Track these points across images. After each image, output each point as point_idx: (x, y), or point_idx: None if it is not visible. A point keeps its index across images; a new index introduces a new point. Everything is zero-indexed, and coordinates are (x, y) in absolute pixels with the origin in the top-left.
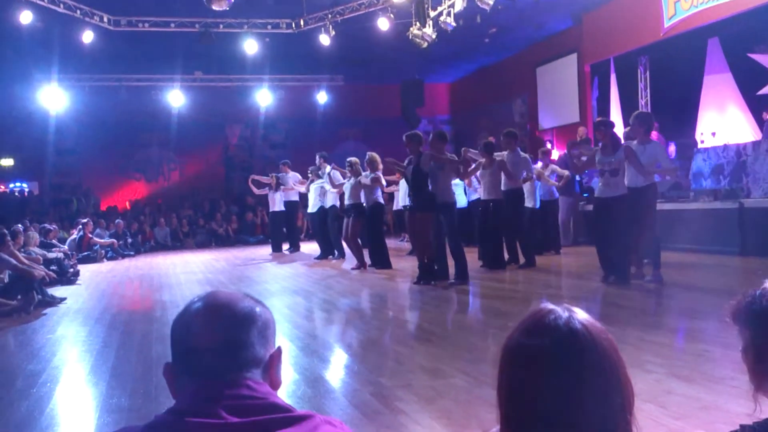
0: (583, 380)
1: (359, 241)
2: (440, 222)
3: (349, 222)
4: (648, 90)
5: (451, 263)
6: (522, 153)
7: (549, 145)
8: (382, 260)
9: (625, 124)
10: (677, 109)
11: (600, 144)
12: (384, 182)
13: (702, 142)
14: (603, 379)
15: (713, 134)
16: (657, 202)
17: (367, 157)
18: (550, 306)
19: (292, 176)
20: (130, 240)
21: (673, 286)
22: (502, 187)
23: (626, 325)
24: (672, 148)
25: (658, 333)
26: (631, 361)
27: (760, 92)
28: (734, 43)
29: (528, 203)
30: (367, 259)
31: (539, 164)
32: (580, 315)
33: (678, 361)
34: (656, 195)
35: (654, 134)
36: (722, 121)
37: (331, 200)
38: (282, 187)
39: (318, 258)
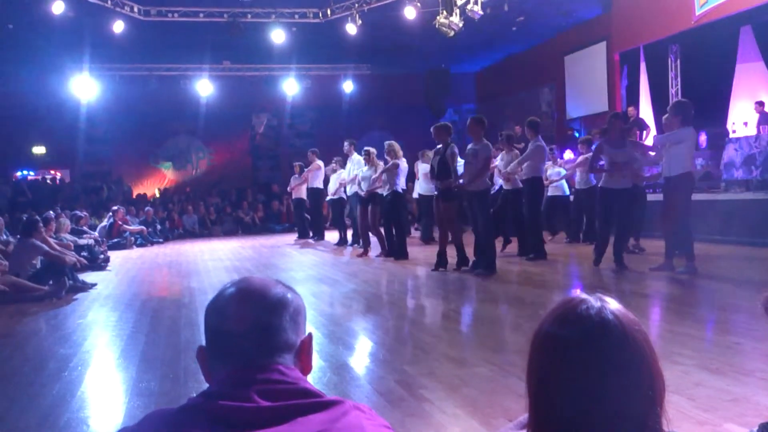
0: (614, 372)
1: (381, 229)
2: (474, 210)
3: (368, 210)
4: (679, 79)
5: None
6: (539, 142)
7: (576, 134)
8: (397, 250)
9: (655, 114)
10: (708, 99)
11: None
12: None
13: (734, 131)
14: (634, 370)
15: (745, 124)
16: (692, 191)
17: (385, 146)
18: (583, 295)
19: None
20: (159, 227)
21: (703, 277)
22: (523, 176)
23: (655, 315)
24: (703, 137)
25: (687, 324)
26: (659, 352)
27: None
28: (767, 32)
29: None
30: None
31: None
32: (613, 305)
33: (707, 353)
34: (690, 185)
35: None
36: (754, 111)
37: (353, 188)
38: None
39: (336, 245)
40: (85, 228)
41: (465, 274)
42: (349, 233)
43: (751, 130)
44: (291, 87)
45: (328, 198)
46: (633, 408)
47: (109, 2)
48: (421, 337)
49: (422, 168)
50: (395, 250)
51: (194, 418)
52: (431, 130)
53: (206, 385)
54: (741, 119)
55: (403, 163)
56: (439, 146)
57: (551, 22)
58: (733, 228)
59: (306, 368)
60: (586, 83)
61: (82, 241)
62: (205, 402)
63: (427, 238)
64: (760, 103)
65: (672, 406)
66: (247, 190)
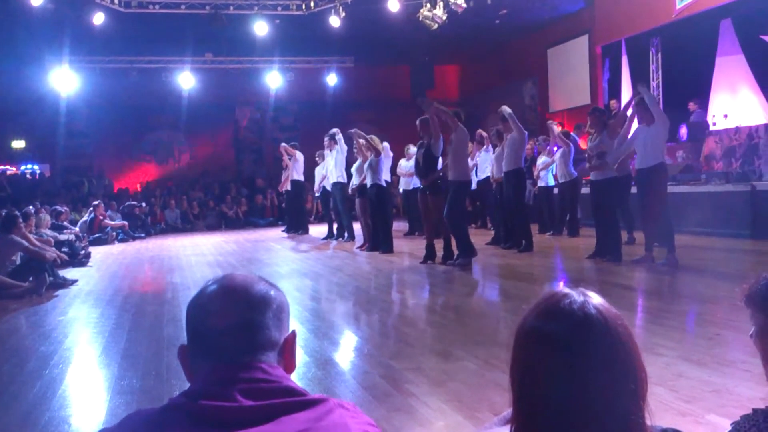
0: (597, 366)
1: (369, 221)
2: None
3: (358, 202)
4: (660, 72)
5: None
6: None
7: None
8: (381, 243)
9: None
10: (689, 91)
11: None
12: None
13: (714, 124)
14: (616, 365)
15: (725, 116)
16: (667, 184)
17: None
18: (566, 290)
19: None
20: (143, 210)
21: (684, 269)
22: (504, 168)
23: (637, 308)
24: (683, 130)
25: (669, 316)
26: (641, 344)
27: None
28: (747, 25)
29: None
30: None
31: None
32: (596, 300)
33: (689, 345)
34: (664, 176)
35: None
36: (734, 104)
37: (334, 178)
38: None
39: (323, 239)
40: (65, 223)
41: (450, 267)
42: (334, 227)
43: (731, 123)
44: (274, 80)
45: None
46: (616, 402)
47: None
48: (406, 331)
49: (405, 165)
50: (380, 243)
51: (176, 418)
52: (417, 123)
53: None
54: (721, 112)
55: (387, 153)
56: (423, 140)
57: (534, 16)
58: (712, 220)
59: (289, 366)
60: (569, 76)
61: (63, 237)
62: (186, 402)
63: (413, 232)
64: (696, 102)
65: (654, 397)
66: (230, 184)
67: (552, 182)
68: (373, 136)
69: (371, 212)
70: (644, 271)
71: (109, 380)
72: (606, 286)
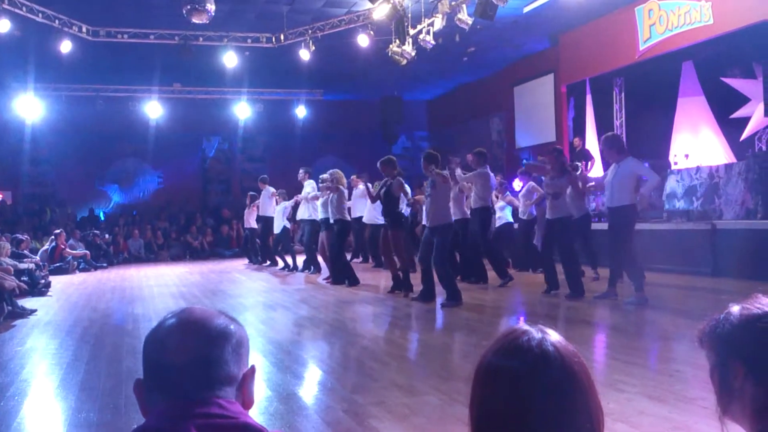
0: (552, 403)
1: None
2: (430, 243)
3: (323, 236)
4: (623, 111)
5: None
6: (485, 170)
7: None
8: (344, 277)
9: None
10: (651, 131)
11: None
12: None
13: (675, 163)
14: (572, 402)
15: (686, 156)
16: (634, 225)
17: (329, 174)
18: (525, 327)
19: (265, 192)
20: (106, 239)
21: (645, 305)
22: (472, 205)
23: (599, 343)
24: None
25: (630, 352)
26: (603, 380)
27: (733, 116)
28: (708, 67)
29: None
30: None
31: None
32: (554, 337)
33: (650, 381)
34: (633, 215)
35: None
36: (695, 144)
37: (306, 214)
38: (252, 205)
39: (281, 269)
40: (26, 252)
41: (414, 301)
42: (300, 259)
43: (693, 162)
44: (243, 111)
45: (275, 231)
46: None
47: (57, 22)
48: (370, 364)
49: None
50: (345, 276)
51: None
52: (378, 165)
53: None
54: (683, 151)
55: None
56: (386, 180)
57: (501, 54)
58: (673, 257)
59: (248, 402)
60: (535, 114)
61: (23, 266)
62: None
63: (378, 266)
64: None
65: None
66: (196, 214)
67: (510, 218)
68: (337, 170)
69: (336, 246)
70: (607, 306)
71: (66, 413)
72: (568, 321)
